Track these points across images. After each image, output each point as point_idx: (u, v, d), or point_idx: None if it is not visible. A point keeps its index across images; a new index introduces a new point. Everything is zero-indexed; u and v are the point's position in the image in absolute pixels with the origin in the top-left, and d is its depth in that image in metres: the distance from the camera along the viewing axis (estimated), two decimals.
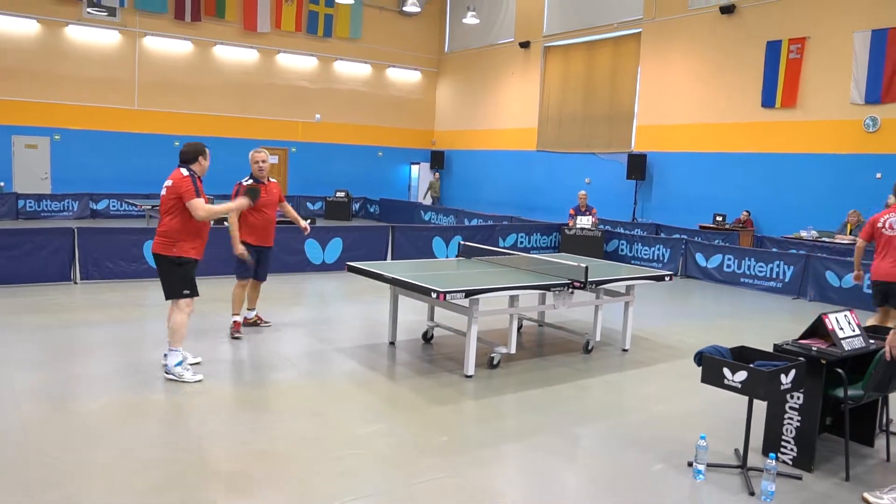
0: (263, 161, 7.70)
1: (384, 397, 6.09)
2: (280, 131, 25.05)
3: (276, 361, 6.86)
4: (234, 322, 7.64)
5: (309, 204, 24.43)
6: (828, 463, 5.03)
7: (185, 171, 6.09)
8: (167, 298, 6.12)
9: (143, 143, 22.59)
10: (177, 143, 23.14)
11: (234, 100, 24.06)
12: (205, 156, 6.27)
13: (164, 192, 6.07)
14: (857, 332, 5.12)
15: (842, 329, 5.05)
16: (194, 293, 6.15)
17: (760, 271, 12.89)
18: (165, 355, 6.22)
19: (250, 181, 7.63)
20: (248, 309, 8.04)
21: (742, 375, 4.54)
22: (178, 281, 6.07)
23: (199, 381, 6.08)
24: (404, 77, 27.85)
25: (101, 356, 6.81)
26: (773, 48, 16.77)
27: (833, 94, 15.68)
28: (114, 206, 20.66)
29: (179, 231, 6.02)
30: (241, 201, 6.52)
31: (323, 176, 25.79)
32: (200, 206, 5.99)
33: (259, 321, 8.10)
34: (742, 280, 13.18)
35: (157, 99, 22.74)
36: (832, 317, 5.09)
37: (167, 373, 6.09)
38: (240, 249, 7.35)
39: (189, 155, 6.20)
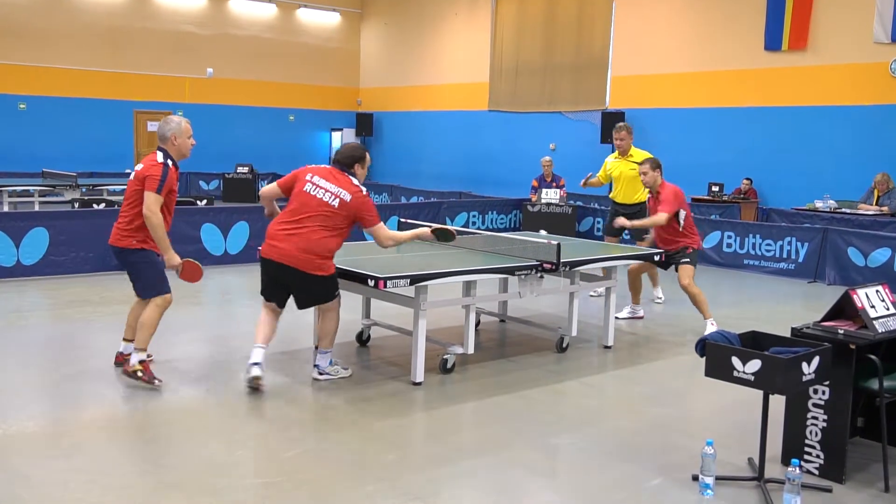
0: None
1: (313, 412, 6.08)
2: (162, 90, 24.59)
3: (172, 375, 6.75)
4: (144, 361, 6.49)
5: (202, 183, 24.12)
6: (862, 472, 5.17)
7: (359, 185, 6.44)
8: (324, 303, 6.56)
9: None
10: (23, 106, 22.61)
11: (100, 50, 23.55)
12: (363, 163, 6.58)
13: (333, 201, 6.28)
14: (892, 310, 5.28)
15: (874, 307, 5.19)
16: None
17: (768, 250, 13.21)
18: (316, 365, 6.79)
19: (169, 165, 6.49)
20: (127, 340, 6.79)
21: (755, 365, 4.64)
22: (333, 287, 6.53)
23: (349, 375, 6.83)
24: (320, 20, 27.64)
25: None
26: None
27: (853, 32, 16.08)
28: None
29: (333, 251, 6.40)
30: (425, 233, 6.86)
31: (219, 147, 25.39)
32: (386, 234, 6.56)
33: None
34: (746, 262, 13.49)
35: None
36: (861, 293, 5.23)
37: (321, 373, 6.71)
38: (176, 260, 6.47)
39: (347, 159, 6.50)
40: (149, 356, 6.57)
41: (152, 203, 6.19)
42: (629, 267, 9.42)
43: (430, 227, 6.88)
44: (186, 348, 7.68)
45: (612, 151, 10.66)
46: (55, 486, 4.60)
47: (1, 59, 22.17)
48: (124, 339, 6.77)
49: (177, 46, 24.79)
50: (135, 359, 6.38)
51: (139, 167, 6.40)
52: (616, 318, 9.34)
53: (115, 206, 12.79)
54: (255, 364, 6.32)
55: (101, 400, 6.13)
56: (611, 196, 10.78)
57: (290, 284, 6.44)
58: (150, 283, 6.45)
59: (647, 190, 9.20)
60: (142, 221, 6.25)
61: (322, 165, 6.61)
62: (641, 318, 9.61)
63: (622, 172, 10.37)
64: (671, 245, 8.80)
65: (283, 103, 27.04)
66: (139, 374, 6.35)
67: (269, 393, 6.39)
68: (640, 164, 9.12)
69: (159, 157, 6.37)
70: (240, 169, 23.62)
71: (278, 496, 4.57)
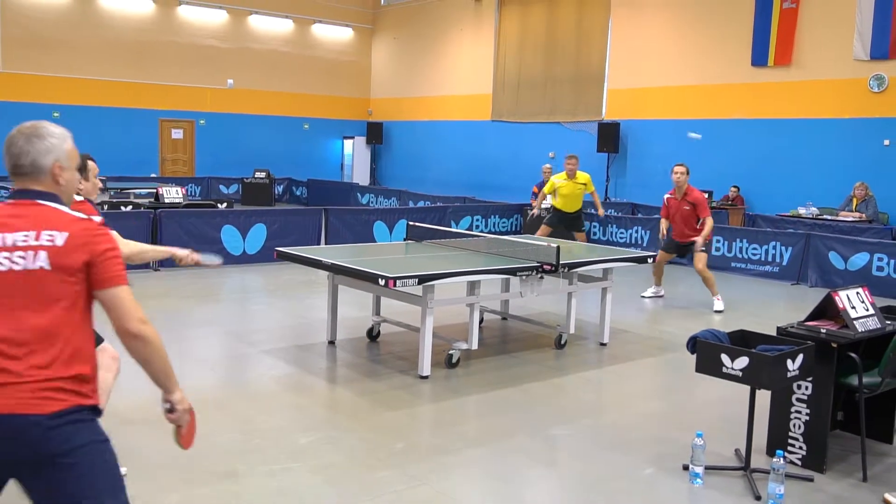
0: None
1: (325, 403, 6.10)
2: (185, 100, 24.63)
3: (190, 367, 6.78)
4: None
5: (222, 187, 24.13)
6: (842, 462, 5.19)
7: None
8: None
9: (11, 114, 21.88)
10: (56, 114, 22.67)
11: (127, 62, 23.56)
12: (85, 170, 4.46)
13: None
14: (872, 311, 5.28)
15: (854, 308, 5.19)
16: None
17: (754, 254, 13.19)
18: None
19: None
20: None
21: (743, 361, 4.65)
22: None
23: None
24: (333, 35, 27.65)
25: None
26: None
27: (834, 49, 16.08)
28: None
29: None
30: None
31: (238, 153, 25.48)
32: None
33: None
34: (733, 265, 13.47)
35: (29, 59, 22.09)
36: (843, 294, 5.23)
37: None
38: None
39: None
40: None
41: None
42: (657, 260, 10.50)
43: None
44: (205, 341, 7.70)
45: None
46: None
47: (37, 70, 22.20)
48: None
49: (199, 59, 24.80)
50: None
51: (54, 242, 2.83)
52: (642, 296, 10.83)
53: (141, 209, 12.84)
54: None
55: (114, 393, 6.13)
56: (554, 205, 12.74)
57: None
58: None
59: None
60: None
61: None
62: (662, 296, 10.94)
63: (571, 190, 12.59)
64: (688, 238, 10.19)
65: (298, 112, 27.05)
66: None
67: (285, 385, 6.42)
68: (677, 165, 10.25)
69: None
70: (258, 174, 23.66)
71: (294, 481, 4.59)
